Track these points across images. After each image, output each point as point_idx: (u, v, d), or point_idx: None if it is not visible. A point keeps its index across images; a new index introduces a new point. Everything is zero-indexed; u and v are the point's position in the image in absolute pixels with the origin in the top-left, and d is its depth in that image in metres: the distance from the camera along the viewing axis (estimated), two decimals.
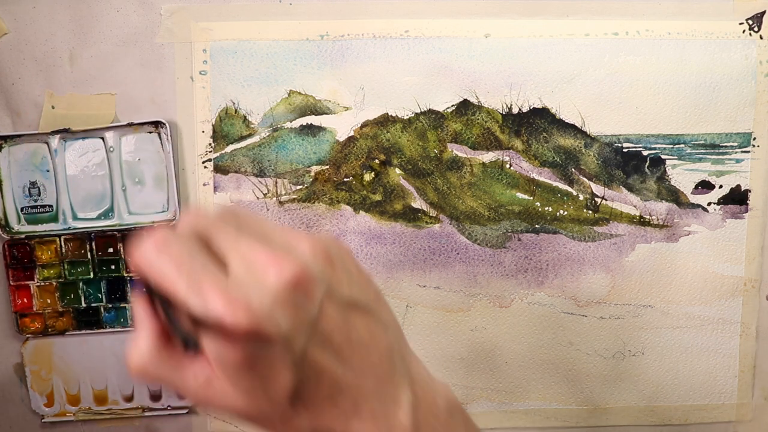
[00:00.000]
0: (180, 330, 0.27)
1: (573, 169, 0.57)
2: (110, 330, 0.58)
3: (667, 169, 0.57)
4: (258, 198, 0.57)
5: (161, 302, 0.27)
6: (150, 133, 0.55)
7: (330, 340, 0.28)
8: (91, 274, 0.57)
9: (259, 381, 0.27)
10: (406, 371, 0.31)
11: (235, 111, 0.56)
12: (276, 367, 0.27)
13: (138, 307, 0.27)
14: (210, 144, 0.56)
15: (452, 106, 0.56)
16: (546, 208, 0.58)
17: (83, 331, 0.58)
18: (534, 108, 0.56)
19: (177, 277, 0.25)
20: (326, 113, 0.56)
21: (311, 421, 0.29)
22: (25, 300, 0.57)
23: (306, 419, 0.29)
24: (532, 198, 0.57)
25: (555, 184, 0.57)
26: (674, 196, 0.58)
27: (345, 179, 0.57)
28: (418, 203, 0.57)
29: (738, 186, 0.58)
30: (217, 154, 0.56)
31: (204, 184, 0.56)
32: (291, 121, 0.56)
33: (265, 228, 0.29)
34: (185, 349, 0.27)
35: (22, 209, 0.56)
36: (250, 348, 0.26)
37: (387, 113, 0.56)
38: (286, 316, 0.26)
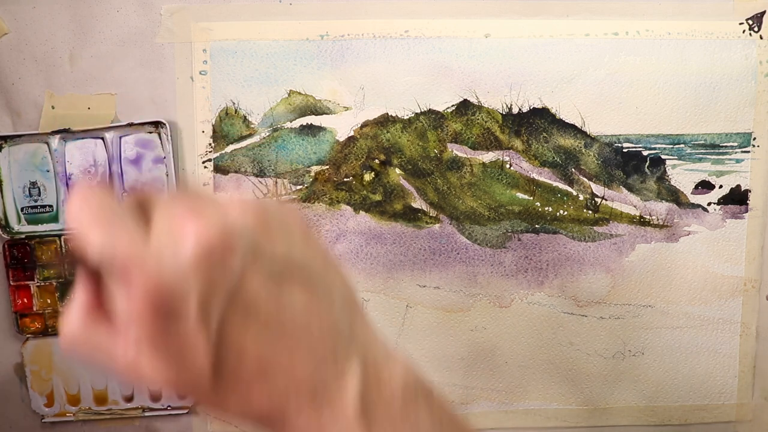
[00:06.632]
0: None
1: (573, 169, 0.57)
2: None
3: (667, 169, 0.57)
4: (258, 198, 0.57)
5: (93, 270, 0.26)
6: (150, 133, 0.55)
7: (255, 312, 0.26)
8: None
9: (175, 351, 0.25)
10: (357, 352, 0.28)
11: (235, 111, 0.56)
12: (191, 334, 0.25)
13: (75, 280, 0.26)
14: (210, 144, 0.56)
15: (452, 106, 0.56)
16: (546, 208, 0.58)
17: None
18: (534, 108, 0.56)
19: (92, 228, 0.25)
20: (326, 113, 0.56)
21: (242, 404, 0.27)
22: (25, 300, 0.57)
23: (236, 400, 0.27)
24: (532, 198, 0.57)
25: (555, 184, 0.57)
26: (674, 196, 0.58)
27: (345, 179, 0.57)
28: (418, 203, 0.57)
29: (738, 186, 0.58)
30: (217, 154, 0.56)
31: (204, 185, 0.56)
32: (291, 121, 0.56)
33: (209, 199, 0.28)
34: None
35: (22, 209, 0.56)
36: (159, 310, 0.24)
37: (387, 113, 0.56)
38: (197, 279, 0.24)
